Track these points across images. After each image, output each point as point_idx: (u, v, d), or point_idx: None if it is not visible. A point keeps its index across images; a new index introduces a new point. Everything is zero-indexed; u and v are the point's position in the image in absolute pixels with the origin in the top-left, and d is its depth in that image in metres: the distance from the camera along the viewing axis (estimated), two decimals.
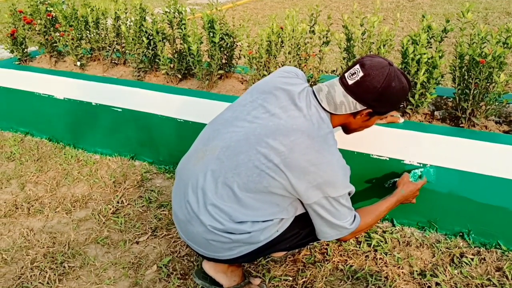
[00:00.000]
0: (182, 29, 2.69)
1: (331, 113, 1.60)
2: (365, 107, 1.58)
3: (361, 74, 1.52)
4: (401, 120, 2.14)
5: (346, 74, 1.57)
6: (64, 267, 2.09)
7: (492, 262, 1.99)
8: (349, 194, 1.58)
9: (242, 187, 1.53)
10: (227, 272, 1.85)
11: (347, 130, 1.74)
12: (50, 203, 2.57)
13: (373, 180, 2.18)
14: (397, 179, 1.98)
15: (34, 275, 2.05)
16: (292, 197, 1.57)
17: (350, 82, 1.55)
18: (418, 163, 2.05)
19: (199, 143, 1.71)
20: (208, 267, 1.86)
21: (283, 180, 1.51)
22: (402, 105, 2.21)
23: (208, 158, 1.61)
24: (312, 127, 1.53)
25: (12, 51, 3.26)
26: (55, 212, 2.49)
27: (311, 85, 1.68)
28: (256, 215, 1.56)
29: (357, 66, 1.55)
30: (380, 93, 1.53)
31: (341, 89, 1.57)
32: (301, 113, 1.56)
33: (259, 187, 1.53)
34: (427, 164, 2.05)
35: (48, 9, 3.10)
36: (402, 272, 1.98)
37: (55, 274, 2.04)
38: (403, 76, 1.58)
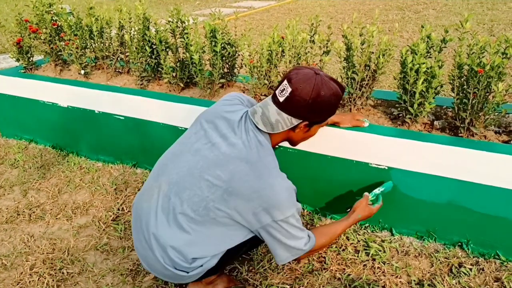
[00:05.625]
0: (184, 39, 2.72)
1: (269, 133, 1.61)
2: (301, 120, 1.58)
3: (289, 89, 1.52)
4: (366, 124, 2.15)
5: (277, 92, 1.57)
6: (63, 273, 2.10)
7: (490, 272, 1.98)
8: (298, 212, 1.57)
9: (191, 221, 1.56)
10: (209, 286, 1.89)
11: (292, 143, 1.74)
12: (51, 209, 2.59)
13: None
14: (357, 202, 1.96)
15: (32, 280, 2.06)
16: (240, 225, 1.57)
17: (281, 99, 1.55)
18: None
19: (151, 179, 1.73)
20: (190, 285, 1.88)
21: (229, 210, 1.52)
22: (401, 115, 2.22)
23: (158, 196, 1.64)
24: (251, 152, 1.53)
25: (18, 60, 3.30)
26: (56, 218, 2.51)
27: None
28: (207, 250, 1.59)
29: (285, 82, 1.55)
30: (311, 105, 1.52)
31: (274, 108, 1.57)
32: (239, 140, 1.56)
33: (206, 219, 1.54)
34: (383, 181, 2.08)
35: (53, 18, 3.15)
36: (400, 281, 1.97)
37: (53, 280, 2.05)
38: (332, 81, 1.57)
